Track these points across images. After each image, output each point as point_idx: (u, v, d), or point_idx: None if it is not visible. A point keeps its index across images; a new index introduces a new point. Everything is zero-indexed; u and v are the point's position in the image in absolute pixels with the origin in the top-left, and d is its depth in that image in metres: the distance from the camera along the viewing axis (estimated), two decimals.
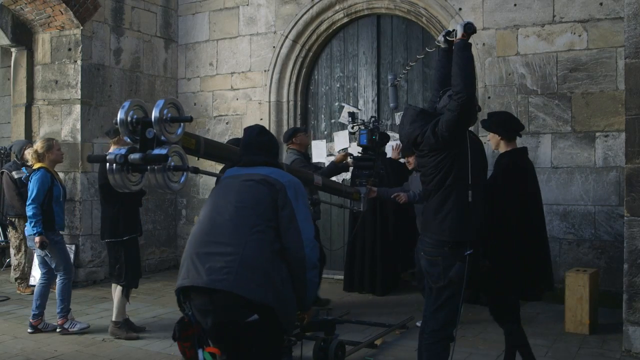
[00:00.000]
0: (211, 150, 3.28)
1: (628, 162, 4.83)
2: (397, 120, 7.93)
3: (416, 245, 4.02)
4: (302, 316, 3.01)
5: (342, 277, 7.53)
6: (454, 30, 3.72)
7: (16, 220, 7.38)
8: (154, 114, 2.67)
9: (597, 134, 6.51)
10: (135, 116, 2.71)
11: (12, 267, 7.73)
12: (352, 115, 5.86)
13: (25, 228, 5.67)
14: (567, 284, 5.60)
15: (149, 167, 2.67)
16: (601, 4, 6.48)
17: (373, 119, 5.92)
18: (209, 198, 3.05)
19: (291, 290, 2.81)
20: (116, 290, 5.48)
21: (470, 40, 3.52)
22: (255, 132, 3.16)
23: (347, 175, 7.56)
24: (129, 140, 2.75)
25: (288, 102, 8.49)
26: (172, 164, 2.69)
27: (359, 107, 8.19)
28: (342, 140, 8.28)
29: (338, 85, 8.39)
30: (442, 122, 3.39)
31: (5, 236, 8.54)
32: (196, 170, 2.87)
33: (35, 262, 7.59)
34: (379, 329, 5.52)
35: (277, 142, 3.24)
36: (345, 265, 7.44)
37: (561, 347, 5.06)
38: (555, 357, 4.83)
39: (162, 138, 2.70)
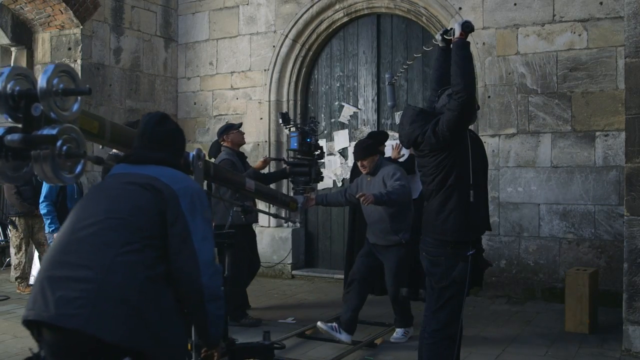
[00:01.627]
0: (120, 137, 2.66)
1: (628, 162, 4.83)
2: (398, 120, 7.94)
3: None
4: (207, 353, 2.43)
5: (342, 276, 7.52)
6: (451, 29, 3.70)
7: (16, 219, 7.38)
8: (40, 84, 2.09)
9: (597, 133, 6.51)
10: (17, 87, 2.09)
11: (13, 266, 7.72)
12: (283, 116, 5.41)
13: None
14: (567, 284, 5.60)
15: (33, 152, 2.09)
16: (601, 3, 6.48)
17: (311, 120, 5.50)
18: (77, 202, 2.41)
19: (179, 326, 2.21)
20: None
21: (468, 39, 3.50)
22: (154, 120, 2.46)
23: (346, 174, 7.52)
24: (8, 119, 2.12)
25: (288, 101, 8.49)
26: (65, 148, 2.11)
27: (359, 107, 8.19)
28: (342, 140, 8.28)
29: (338, 85, 8.39)
30: (443, 122, 3.37)
31: (6, 235, 8.54)
32: (99, 161, 2.44)
33: (36, 261, 7.59)
34: (379, 328, 5.52)
35: (182, 136, 2.57)
36: (345, 264, 7.43)
37: (561, 347, 5.06)
38: (555, 357, 4.83)
39: (53, 116, 2.12)
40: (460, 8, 7.20)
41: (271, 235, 8.28)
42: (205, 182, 3.45)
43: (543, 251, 6.75)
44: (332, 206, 5.60)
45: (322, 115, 8.49)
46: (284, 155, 7.79)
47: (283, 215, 5.16)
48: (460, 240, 3.43)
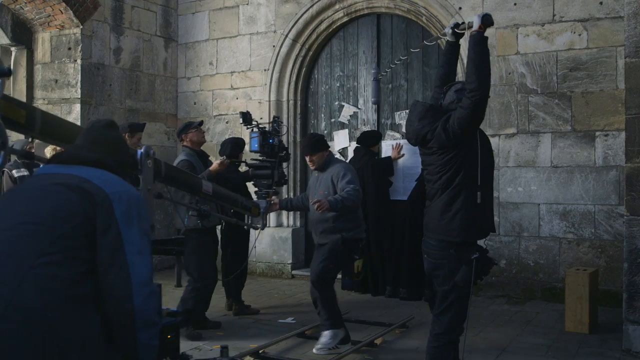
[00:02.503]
0: (54, 130, 2.43)
1: (628, 162, 4.83)
2: (397, 119, 7.93)
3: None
4: None
5: (339, 276, 7.52)
6: (462, 22, 3.56)
7: None
8: None
9: (597, 133, 6.51)
10: None
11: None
12: (244, 116, 5.09)
13: None
14: (567, 283, 5.60)
15: None
16: (601, 3, 6.48)
17: (275, 119, 5.24)
18: None
19: (107, 356, 1.85)
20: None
21: (486, 34, 3.35)
22: (103, 123, 2.25)
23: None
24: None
25: (288, 101, 8.49)
26: None
27: (359, 107, 8.19)
28: (342, 140, 8.28)
29: (338, 85, 8.38)
30: (454, 119, 3.26)
31: None
32: (28, 156, 2.11)
33: None
34: (379, 328, 5.52)
35: (127, 149, 2.38)
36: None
37: (561, 346, 5.06)
38: (555, 356, 4.83)
39: None
40: (460, 8, 7.19)
41: (271, 235, 8.28)
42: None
43: (543, 251, 6.75)
44: (297, 210, 5.41)
45: (322, 115, 8.49)
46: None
47: (246, 220, 4.85)
48: (465, 242, 3.33)
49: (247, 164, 5.38)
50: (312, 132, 5.22)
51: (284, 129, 5.67)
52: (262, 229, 4.52)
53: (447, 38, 3.62)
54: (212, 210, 4.45)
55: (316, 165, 4.99)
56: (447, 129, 3.28)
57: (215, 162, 5.45)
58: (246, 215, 4.54)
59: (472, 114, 3.23)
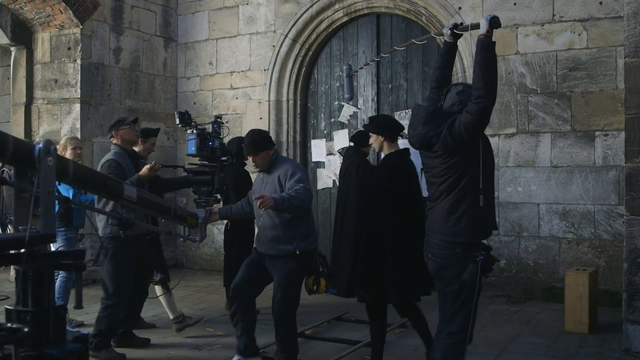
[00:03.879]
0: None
1: (628, 161, 4.83)
2: (397, 119, 7.93)
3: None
4: None
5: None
6: (462, 23, 3.49)
7: None
8: None
9: (597, 133, 6.52)
10: None
11: (12, 265, 7.72)
12: (181, 115, 4.70)
13: None
14: (567, 283, 5.60)
15: None
16: (601, 3, 6.48)
17: (216, 119, 4.84)
18: None
19: None
20: (157, 291, 5.48)
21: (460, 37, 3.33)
22: None
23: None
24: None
25: (288, 101, 8.49)
26: None
27: (359, 106, 8.19)
28: (342, 139, 8.28)
29: (338, 84, 8.38)
30: (461, 124, 3.23)
31: None
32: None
33: None
34: None
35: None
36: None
37: (561, 346, 5.07)
38: (554, 356, 4.83)
39: None
40: (460, 8, 7.20)
41: None
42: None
43: (543, 251, 6.75)
44: (238, 218, 4.78)
45: (322, 115, 8.49)
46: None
47: (181, 232, 4.24)
48: (470, 242, 3.34)
49: (185, 169, 4.98)
50: (253, 128, 4.76)
51: (226, 130, 5.05)
52: (200, 241, 4.04)
53: (445, 39, 3.54)
54: (138, 218, 3.78)
55: (260, 167, 4.39)
56: (453, 133, 3.25)
57: (146, 166, 4.78)
58: (183, 227, 3.99)
59: (479, 119, 3.22)
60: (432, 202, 3.49)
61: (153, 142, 5.65)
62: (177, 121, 4.76)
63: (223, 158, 4.61)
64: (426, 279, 4.13)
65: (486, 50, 3.19)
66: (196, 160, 4.75)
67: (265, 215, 4.27)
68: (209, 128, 4.81)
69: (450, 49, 3.58)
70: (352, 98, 5.05)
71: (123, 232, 3.16)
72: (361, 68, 6.68)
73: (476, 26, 3.29)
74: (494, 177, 3.56)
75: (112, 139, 5.05)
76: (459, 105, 3.33)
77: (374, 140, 4.39)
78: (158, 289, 5.49)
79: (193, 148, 4.54)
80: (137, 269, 4.95)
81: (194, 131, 4.57)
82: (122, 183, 3.09)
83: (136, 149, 5.35)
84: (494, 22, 3.18)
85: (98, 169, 4.76)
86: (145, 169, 4.71)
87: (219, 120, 4.83)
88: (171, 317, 5.48)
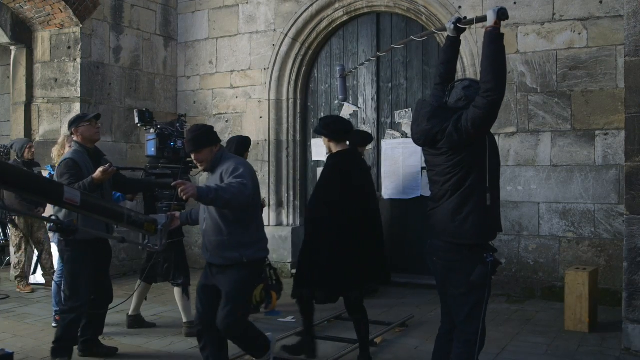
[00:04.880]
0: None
1: (628, 161, 4.83)
2: (397, 118, 7.94)
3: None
4: None
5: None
6: (465, 17, 3.43)
7: (16, 218, 7.38)
8: None
9: (597, 132, 6.51)
10: None
11: (12, 265, 7.73)
12: (141, 114, 4.38)
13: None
14: (567, 282, 5.60)
15: None
16: (601, 2, 6.48)
17: (179, 119, 4.45)
18: None
19: None
20: (176, 293, 5.47)
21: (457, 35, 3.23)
22: None
23: None
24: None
25: (288, 100, 8.49)
26: None
27: (359, 105, 8.19)
28: None
29: (338, 84, 8.36)
30: (468, 119, 3.11)
31: (6, 234, 8.54)
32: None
33: (35, 259, 7.58)
34: (379, 327, 5.52)
35: None
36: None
37: (561, 346, 5.07)
38: (554, 355, 4.83)
39: None
40: (460, 7, 7.19)
41: (271, 234, 8.26)
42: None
43: (543, 250, 6.76)
44: (199, 224, 4.12)
45: (322, 114, 8.48)
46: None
47: (140, 240, 3.88)
48: (477, 244, 3.23)
49: (146, 172, 4.67)
50: (199, 123, 4.67)
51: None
52: (160, 249, 3.66)
53: (449, 33, 3.44)
54: (75, 225, 3.27)
55: (204, 166, 3.93)
56: (459, 129, 3.13)
57: (99, 169, 4.41)
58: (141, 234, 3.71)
59: (488, 114, 3.11)
60: (435, 202, 3.37)
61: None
62: (137, 120, 4.47)
63: (189, 159, 4.29)
64: (366, 277, 4.43)
65: (494, 42, 3.07)
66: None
67: (209, 218, 3.86)
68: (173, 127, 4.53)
69: (454, 44, 3.48)
70: (346, 99, 4.97)
71: (64, 238, 3.03)
72: (355, 68, 6.66)
73: (482, 19, 3.18)
74: (499, 177, 3.43)
75: (72, 136, 4.77)
76: (465, 101, 3.24)
77: (323, 141, 4.53)
78: (177, 292, 5.48)
79: (153, 149, 4.30)
80: (98, 274, 4.69)
81: (153, 131, 4.27)
82: (61, 186, 2.86)
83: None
84: (502, 14, 3.05)
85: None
86: (98, 172, 4.38)
87: (182, 118, 4.53)
88: (184, 320, 5.47)
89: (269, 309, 6.14)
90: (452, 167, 3.22)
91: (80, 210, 2.93)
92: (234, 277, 3.80)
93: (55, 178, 4.64)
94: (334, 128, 4.46)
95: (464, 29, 3.43)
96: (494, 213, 3.32)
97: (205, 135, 3.88)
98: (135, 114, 4.46)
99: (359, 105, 8.19)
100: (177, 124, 4.40)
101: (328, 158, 4.51)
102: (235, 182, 3.64)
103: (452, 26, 3.38)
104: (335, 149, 4.46)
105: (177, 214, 4.01)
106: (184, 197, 3.52)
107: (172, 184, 3.57)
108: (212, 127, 4.01)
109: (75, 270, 4.52)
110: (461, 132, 3.13)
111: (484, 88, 3.07)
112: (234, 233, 3.80)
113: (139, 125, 4.53)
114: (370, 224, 4.51)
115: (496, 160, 3.35)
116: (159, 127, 4.37)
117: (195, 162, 3.96)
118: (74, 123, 4.70)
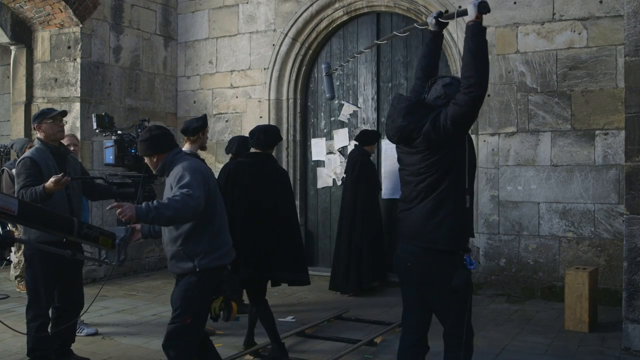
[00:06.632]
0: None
1: (628, 160, 4.83)
2: None
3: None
4: None
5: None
6: (446, 11, 3.40)
7: None
8: None
9: (597, 132, 6.51)
10: None
11: (12, 264, 7.73)
12: (99, 119, 4.12)
13: None
14: (567, 282, 5.60)
15: None
16: (601, 2, 6.48)
17: (140, 123, 4.18)
18: None
19: None
20: None
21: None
22: None
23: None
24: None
25: (288, 100, 8.49)
26: None
27: (359, 105, 8.19)
28: (341, 138, 8.28)
29: (338, 83, 8.38)
30: (447, 117, 2.94)
31: None
32: None
33: None
34: (379, 327, 5.52)
35: None
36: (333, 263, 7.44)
37: (560, 345, 5.07)
38: (554, 355, 4.84)
39: None
40: (459, 6, 7.18)
41: None
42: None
43: (543, 250, 6.76)
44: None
45: (322, 114, 8.49)
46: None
47: (98, 256, 3.59)
48: (452, 250, 3.06)
49: (105, 180, 4.44)
50: (157, 125, 4.02)
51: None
52: (119, 264, 3.34)
53: (430, 28, 3.34)
54: (13, 236, 2.93)
55: (156, 171, 3.66)
56: (437, 126, 2.96)
57: (51, 179, 4.03)
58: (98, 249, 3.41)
59: (469, 111, 2.93)
60: (406, 203, 3.18)
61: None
62: (94, 125, 4.22)
63: None
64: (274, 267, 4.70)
65: (477, 36, 2.92)
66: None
67: (166, 229, 3.59)
68: (134, 132, 4.29)
69: (436, 38, 3.38)
70: (334, 97, 4.80)
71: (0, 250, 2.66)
72: (341, 65, 6.71)
73: (463, 13, 3.06)
74: (474, 178, 3.25)
75: (36, 133, 4.45)
76: (445, 99, 3.08)
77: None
78: None
79: (111, 157, 4.07)
80: (65, 280, 4.41)
81: (112, 137, 4.03)
82: None
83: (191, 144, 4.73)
84: (483, 7, 2.90)
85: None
86: (50, 182, 4.02)
87: (145, 123, 4.26)
88: None
89: (230, 320, 6.08)
90: (427, 168, 3.05)
91: (18, 220, 2.68)
92: (184, 285, 3.55)
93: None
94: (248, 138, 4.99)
95: (446, 24, 3.36)
96: (469, 216, 3.17)
97: (158, 140, 3.57)
98: (93, 119, 4.17)
99: (359, 105, 8.20)
100: (139, 129, 4.09)
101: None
102: (178, 195, 3.32)
103: (434, 21, 3.33)
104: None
105: (139, 226, 3.66)
106: (123, 220, 3.22)
107: (108, 208, 3.28)
108: (166, 131, 3.67)
109: (36, 275, 4.26)
110: (439, 130, 2.96)
111: (466, 83, 2.90)
112: (188, 242, 3.52)
113: (97, 131, 4.27)
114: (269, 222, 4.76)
115: (474, 161, 3.21)
116: (118, 132, 4.15)
117: (150, 164, 3.66)
118: (37, 119, 4.38)
